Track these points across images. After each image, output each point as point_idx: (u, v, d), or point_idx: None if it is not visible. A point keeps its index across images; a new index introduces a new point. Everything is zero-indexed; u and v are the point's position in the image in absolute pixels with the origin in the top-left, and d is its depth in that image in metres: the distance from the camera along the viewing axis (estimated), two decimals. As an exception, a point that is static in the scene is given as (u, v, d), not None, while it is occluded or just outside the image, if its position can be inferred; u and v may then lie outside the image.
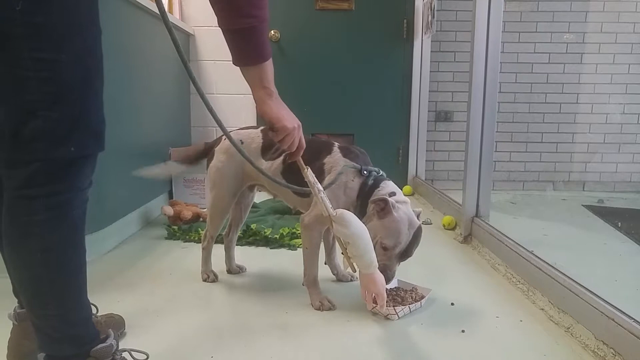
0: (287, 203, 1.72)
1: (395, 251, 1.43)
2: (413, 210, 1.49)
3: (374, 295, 1.56)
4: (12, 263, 0.95)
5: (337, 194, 1.49)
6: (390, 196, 1.46)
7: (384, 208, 1.43)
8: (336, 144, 1.60)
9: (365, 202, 1.49)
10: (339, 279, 1.78)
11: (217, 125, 1.20)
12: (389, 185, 1.51)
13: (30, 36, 0.82)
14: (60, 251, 0.93)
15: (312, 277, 1.57)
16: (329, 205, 1.32)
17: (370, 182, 1.50)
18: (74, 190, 0.93)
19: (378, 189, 1.49)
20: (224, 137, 1.71)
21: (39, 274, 0.93)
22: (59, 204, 0.91)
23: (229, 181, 1.67)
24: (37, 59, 0.83)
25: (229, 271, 1.85)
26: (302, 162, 1.32)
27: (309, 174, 1.33)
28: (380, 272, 1.39)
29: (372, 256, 1.29)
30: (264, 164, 1.63)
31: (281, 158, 1.59)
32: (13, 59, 0.82)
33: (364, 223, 1.42)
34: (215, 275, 1.78)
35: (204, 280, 1.76)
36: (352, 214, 1.32)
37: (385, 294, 1.33)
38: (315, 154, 1.56)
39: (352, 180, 1.51)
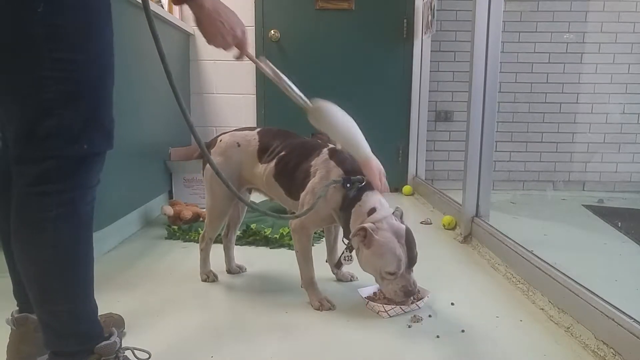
0: (283, 205, 1.70)
1: (401, 271, 1.40)
2: (394, 214, 1.44)
3: (373, 295, 1.57)
4: (22, 259, 0.96)
5: (317, 208, 1.45)
6: (369, 213, 1.41)
7: (366, 236, 1.39)
8: (329, 146, 1.58)
9: (347, 214, 1.46)
10: (339, 278, 1.77)
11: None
12: (370, 199, 1.45)
13: (50, 37, 0.84)
14: (71, 247, 0.95)
15: (308, 279, 1.57)
16: (302, 96, 1.34)
17: (352, 194, 1.45)
18: (84, 187, 0.96)
19: (359, 202, 1.44)
20: (219, 139, 1.71)
21: (50, 270, 0.94)
22: (71, 200, 0.93)
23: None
24: (56, 59, 0.86)
25: (229, 271, 1.85)
26: (252, 55, 1.25)
27: (266, 65, 1.28)
28: (404, 295, 1.43)
29: (359, 143, 1.39)
30: (260, 168, 1.62)
31: (274, 161, 1.59)
32: (33, 59, 0.85)
33: (358, 253, 1.45)
34: (215, 275, 1.78)
35: (204, 281, 1.76)
36: (329, 105, 1.36)
37: (377, 174, 1.42)
38: (305, 156, 1.56)
39: (334, 188, 1.46)
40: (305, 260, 1.57)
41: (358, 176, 1.46)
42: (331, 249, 1.78)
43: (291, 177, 1.55)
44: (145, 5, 0.97)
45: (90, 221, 0.99)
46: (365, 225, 1.39)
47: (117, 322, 1.33)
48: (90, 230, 0.99)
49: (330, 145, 1.58)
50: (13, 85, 0.87)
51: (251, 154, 1.65)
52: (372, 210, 1.43)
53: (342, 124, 1.37)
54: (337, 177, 1.47)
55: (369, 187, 1.46)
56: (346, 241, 1.50)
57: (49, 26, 0.84)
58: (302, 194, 1.51)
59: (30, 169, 0.90)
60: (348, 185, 1.45)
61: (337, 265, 1.61)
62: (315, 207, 1.43)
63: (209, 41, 1.16)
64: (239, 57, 1.23)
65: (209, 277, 1.77)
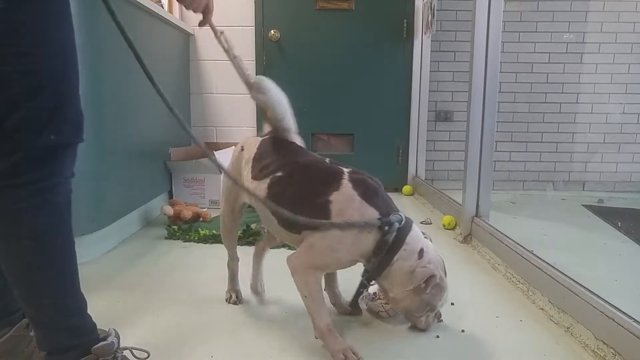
0: (276, 235, 1.40)
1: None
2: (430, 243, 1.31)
3: (373, 295, 1.56)
4: (4, 256, 0.97)
5: (341, 249, 1.20)
6: (420, 255, 1.23)
7: (436, 286, 1.24)
8: (345, 171, 1.25)
9: (386, 261, 1.21)
10: (339, 311, 1.50)
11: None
12: (413, 239, 1.24)
13: (12, 32, 0.86)
14: (48, 238, 0.96)
15: (325, 326, 1.24)
16: (246, 71, 1.35)
17: (392, 238, 1.20)
18: (55, 177, 0.97)
19: (404, 246, 1.22)
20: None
21: (31, 263, 0.95)
22: (43, 190, 0.95)
23: (226, 193, 1.49)
24: (19, 53, 0.88)
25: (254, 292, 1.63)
26: (214, 27, 1.31)
27: (223, 39, 1.33)
28: (437, 321, 1.39)
29: (289, 119, 1.36)
30: (249, 182, 1.34)
31: (267, 181, 1.28)
32: None
33: (398, 296, 1.26)
34: (238, 298, 1.57)
35: (226, 300, 1.58)
36: (270, 81, 1.34)
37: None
38: (318, 186, 1.22)
39: (369, 233, 1.19)
40: (317, 305, 1.25)
41: (396, 214, 1.22)
42: (333, 292, 1.51)
43: (294, 210, 1.19)
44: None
45: (67, 213, 1.00)
46: (436, 273, 1.23)
47: None
48: (68, 223, 1.00)
49: (347, 170, 1.26)
50: None
51: (247, 162, 1.39)
52: (422, 252, 1.24)
53: (279, 100, 1.35)
54: (372, 219, 1.19)
55: (408, 225, 1.24)
56: (372, 283, 1.32)
57: (10, 22, 0.86)
58: (314, 234, 1.20)
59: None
60: (386, 228, 1.19)
61: (353, 305, 1.43)
62: (337, 246, 1.19)
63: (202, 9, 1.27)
64: (202, 24, 1.33)
65: (231, 297, 1.57)
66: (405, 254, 1.22)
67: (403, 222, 1.22)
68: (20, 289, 0.98)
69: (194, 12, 1.28)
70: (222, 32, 1.33)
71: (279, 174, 1.26)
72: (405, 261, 1.22)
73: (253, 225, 2.27)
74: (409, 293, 1.24)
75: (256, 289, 1.62)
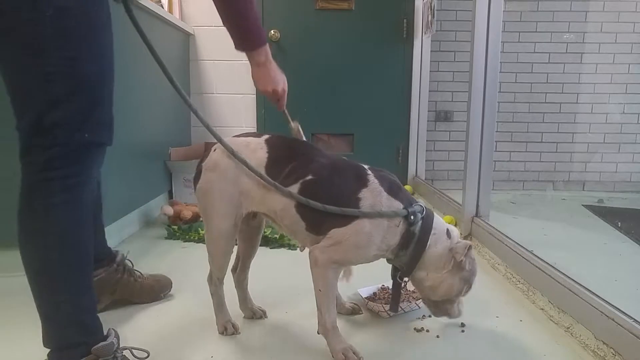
0: (298, 241, 1.34)
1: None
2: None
3: (373, 295, 1.56)
4: (28, 250, 1.00)
5: (369, 246, 1.21)
6: (448, 235, 1.26)
7: (473, 259, 1.27)
8: (366, 167, 1.27)
9: (420, 249, 1.23)
10: (339, 311, 1.46)
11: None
12: (440, 224, 1.27)
13: (58, 37, 0.95)
14: (73, 235, 1.02)
15: (330, 324, 1.23)
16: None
17: (418, 228, 1.22)
18: (85, 174, 1.03)
19: (432, 233, 1.23)
20: (213, 148, 1.33)
21: (53, 258, 1.00)
22: (74, 185, 1.01)
23: (223, 205, 1.27)
24: (62, 56, 0.95)
25: (247, 316, 1.50)
26: (287, 113, 1.39)
27: (295, 127, 1.40)
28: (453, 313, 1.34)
29: None
30: (271, 191, 1.24)
31: (297, 187, 1.21)
32: (42, 57, 0.94)
33: (436, 282, 1.26)
34: (235, 327, 1.38)
35: (221, 333, 1.38)
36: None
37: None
38: (346, 184, 1.22)
39: (397, 227, 1.21)
40: (329, 302, 1.23)
41: (417, 205, 1.24)
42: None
43: (325, 210, 1.20)
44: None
45: (90, 211, 1.05)
46: (471, 244, 1.25)
47: (164, 284, 1.60)
48: (90, 221, 1.05)
49: (366, 166, 1.29)
50: (26, 79, 0.96)
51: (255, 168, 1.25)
52: (449, 232, 1.27)
53: None
54: (399, 209, 1.21)
55: (430, 212, 1.28)
56: (406, 279, 1.31)
57: (56, 27, 0.94)
58: (342, 231, 1.18)
59: (37, 157, 0.97)
60: (412, 218, 1.21)
61: (393, 308, 1.39)
62: (366, 243, 1.20)
63: (260, 88, 1.37)
64: (279, 109, 1.39)
65: (227, 329, 1.37)
66: (435, 237, 1.24)
67: (425, 211, 1.25)
68: (37, 284, 1.00)
69: (264, 93, 1.36)
70: (295, 121, 1.41)
71: (310, 177, 1.22)
72: (437, 244, 1.25)
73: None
74: (447, 275, 1.25)
75: (255, 313, 1.49)
